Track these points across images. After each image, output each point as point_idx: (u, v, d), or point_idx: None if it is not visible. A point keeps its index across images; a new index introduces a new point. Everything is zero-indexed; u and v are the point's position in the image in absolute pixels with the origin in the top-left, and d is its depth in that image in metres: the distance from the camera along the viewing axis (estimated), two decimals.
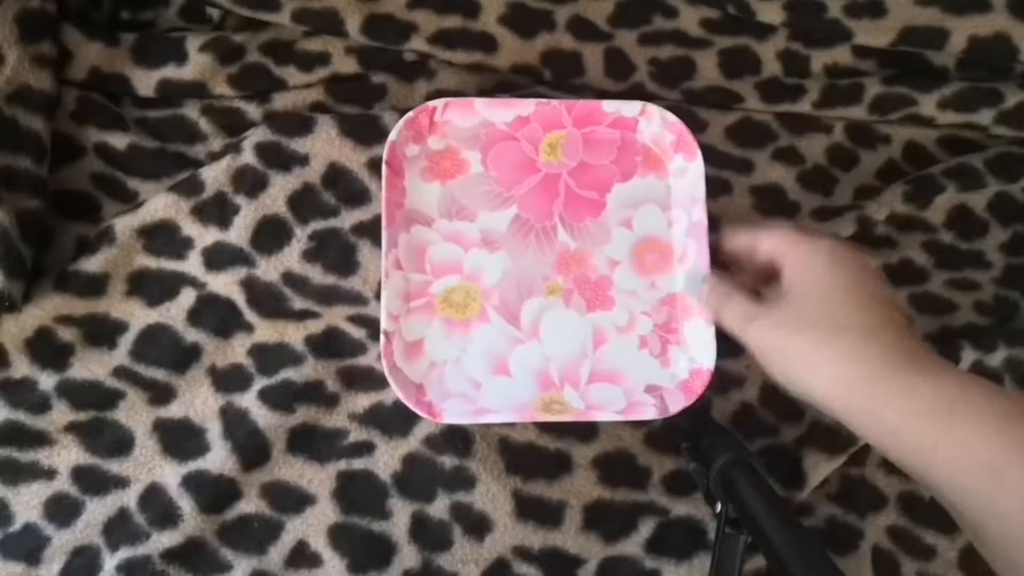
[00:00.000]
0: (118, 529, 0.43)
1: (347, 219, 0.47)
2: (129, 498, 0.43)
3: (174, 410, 0.45)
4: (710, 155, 0.48)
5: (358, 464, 0.45)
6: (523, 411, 0.44)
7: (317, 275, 0.46)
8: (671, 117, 0.47)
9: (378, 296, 0.45)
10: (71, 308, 0.45)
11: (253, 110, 0.48)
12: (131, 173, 0.47)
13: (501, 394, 0.45)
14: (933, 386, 0.33)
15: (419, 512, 0.44)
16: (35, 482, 0.43)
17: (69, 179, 0.47)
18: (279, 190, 0.46)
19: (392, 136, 0.45)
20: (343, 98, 0.49)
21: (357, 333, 0.46)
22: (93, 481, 0.43)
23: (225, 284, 0.46)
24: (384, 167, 0.45)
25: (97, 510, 0.43)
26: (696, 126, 0.49)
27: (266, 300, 0.46)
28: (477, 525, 0.44)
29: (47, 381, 0.44)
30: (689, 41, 0.51)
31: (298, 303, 0.46)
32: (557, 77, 0.50)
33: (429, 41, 0.49)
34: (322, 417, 0.45)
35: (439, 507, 0.44)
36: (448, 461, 0.45)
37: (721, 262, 0.45)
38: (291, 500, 0.44)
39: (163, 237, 0.46)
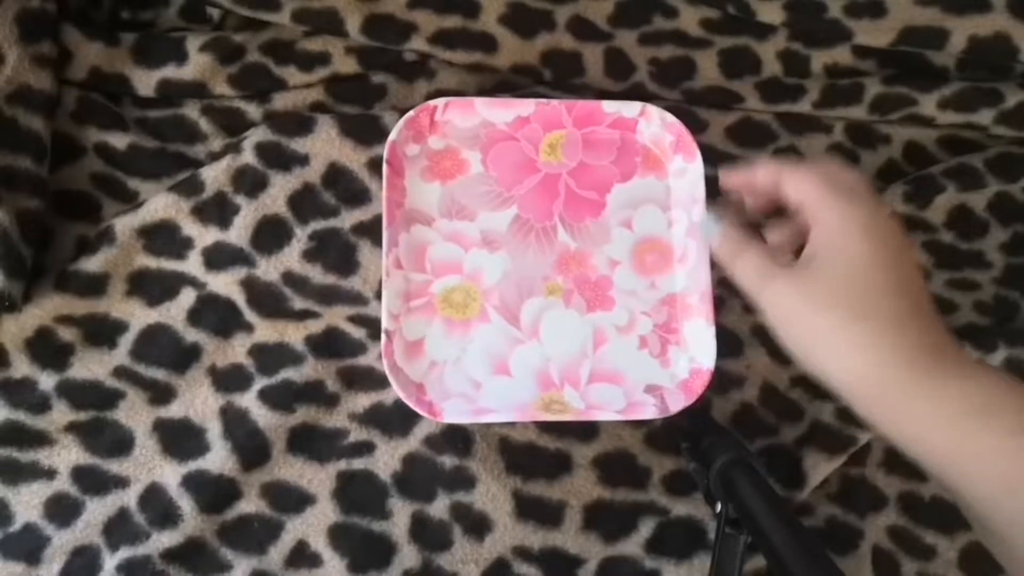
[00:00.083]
0: (118, 529, 0.43)
1: (347, 219, 0.47)
2: (129, 498, 0.43)
3: (174, 410, 0.45)
4: (710, 155, 0.48)
5: (358, 464, 0.45)
6: (523, 411, 0.44)
7: (317, 275, 0.46)
8: (670, 118, 0.47)
9: (378, 296, 0.45)
10: (71, 308, 0.45)
11: (253, 110, 0.48)
12: (131, 173, 0.47)
13: (501, 394, 0.45)
14: (959, 388, 0.31)
15: (419, 512, 0.44)
16: (35, 482, 0.43)
17: (69, 179, 0.47)
18: (279, 190, 0.46)
19: (392, 136, 0.45)
20: (343, 98, 0.49)
21: (357, 333, 0.46)
22: (93, 481, 0.43)
23: (225, 284, 0.46)
24: (384, 167, 0.45)
25: (97, 510, 0.43)
26: (696, 126, 0.49)
27: (266, 300, 0.46)
28: (477, 525, 0.44)
29: (47, 381, 0.44)
30: (689, 41, 0.51)
31: (298, 303, 0.46)
32: (557, 77, 0.50)
33: (429, 41, 0.49)
34: (322, 417, 0.45)
35: (439, 507, 0.44)
36: (448, 461, 0.45)
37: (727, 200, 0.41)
38: (291, 500, 0.44)
39: (163, 237, 0.46)
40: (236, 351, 0.45)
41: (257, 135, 0.47)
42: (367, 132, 0.47)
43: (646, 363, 0.46)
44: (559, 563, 0.45)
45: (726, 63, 0.51)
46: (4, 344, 0.44)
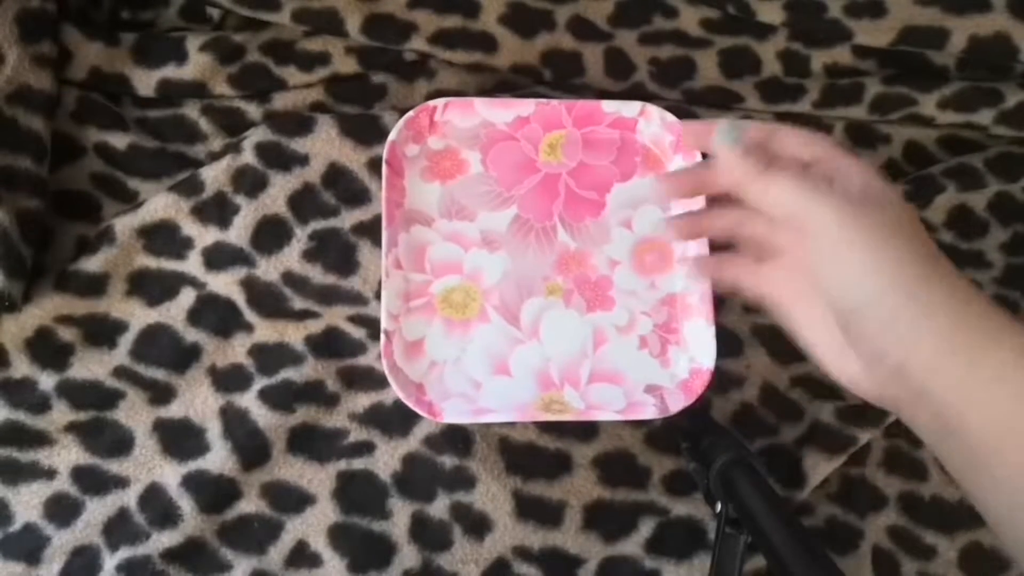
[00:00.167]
0: (118, 529, 0.43)
1: (347, 219, 0.47)
2: (129, 498, 0.43)
3: (174, 410, 0.45)
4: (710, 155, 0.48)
5: (358, 464, 0.45)
6: (523, 411, 0.44)
7: (317, 275, 0.46)
8: (670, 118, 0.47)
9: (378, 296, 0.45)
10: (71, 308, 0.45)
11: (253, 110, 0.48)
12: (131, 173, 0.47)
13: (501, 394, 0.45)
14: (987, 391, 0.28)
15: (419, 512, 0.44)
16: (35, 482, 0.43)
17: (69, 179, 0.47)
18: (279, 190, 0.46)
19: (392, 136, 0.45)
20: (343, 98, 0.49)
21: (357, 333, 0.46)
22: (93, 481, 0.43)
23: (225, 284, 0.46)
24: (384, 167, 0.45)
25: (97, 510, 0.43)
26: None
27: (266, 300, 0.46)
28: (477, 525, 0.44)
29: (47, 381, 0.44)
30: (689, 41, 0.51)
31: (298, 303, 0.46)
32: (557, 77, 0.50)
33: (429, 41, 0.49)
34: (322, 417, 0.45)
35: (439, 507, 0.44)
36: (448, 461, 0.45)
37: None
38: (291, 500, 0.44)
39: (163, 237, 0.46)
40: (236, 351, 0.45)
41: (257, 135, 0.47)
42: (367, 132, 0.47)
43: (646, 363, 0.46)
44: (559, 563, 0.44)
45: (726, 63, 0.51)
46: (4, 344, 0.44)
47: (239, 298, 0.46)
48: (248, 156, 0.46)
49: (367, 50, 0.49)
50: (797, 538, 0.34)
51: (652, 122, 0.48)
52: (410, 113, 0.46)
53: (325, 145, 0.47)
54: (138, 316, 0.45)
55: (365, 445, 0.45)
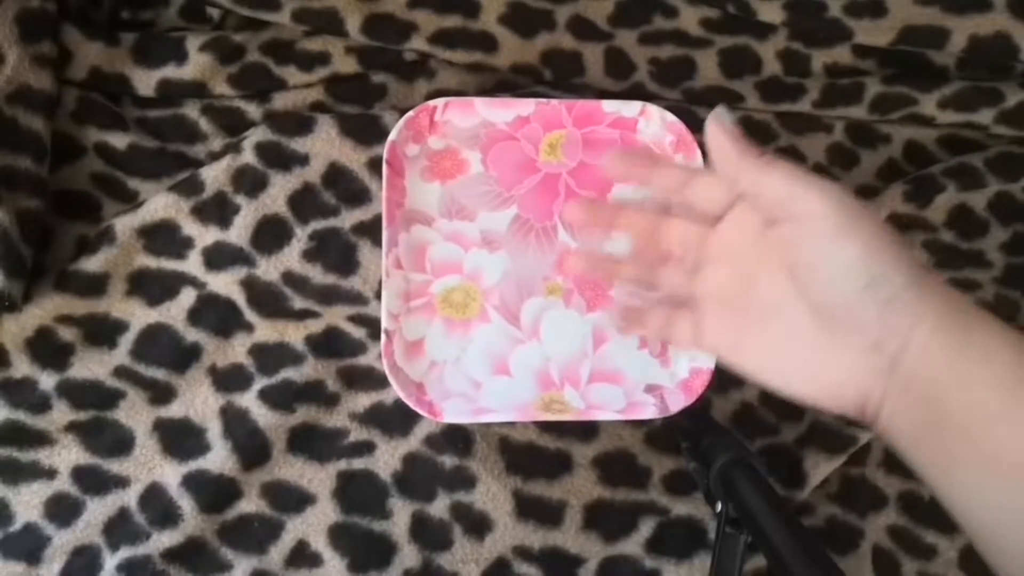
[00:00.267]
0: (118, 529, 0.43)
1: (347, 219, 0.47)
2: (129, 498, 0.43)
3: (174, 410, 0.45)
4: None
5: (358, 464, 0.45)
6: (523, 411, 0.44)
7: (317, 275, 0.46)
8: (671, 117, 0.47)
9: (378, 296, 0.45)
10: (71, 308, 0.45)
11: (253, 110, 0.48)
12: (131, 173, 0.47)
13: (501, 394, 0.45)
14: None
15: (419, 512, 0.44)
16: (35, 482, 0.43)
17: (69, 179, 0.47)
18: (279, 190, 0.46)
19: (392, 136, 0.45)
20: (343, 98, 0.49)
21: (357, 333, 0.46)
22: (93, 481, 0.43)
23: (225, 284, 0.46)
24: (384, 166, 0.45)
25: (97, 510, 0.43)
26: (696, 126, 0.49)
27: (266, 300, 0.46)
28: (477, 525, 0.44)
29: (47, 381, 0.44)
30: (689, 41, 0.51)
31: (298, 303, 0.46)
32: (557, 77, 0.50)
33: (429, 41, 0.49)
34: (322, 417, 0.45)
35: (439, 507, 0.44)
36: (448, 461, 0.45)
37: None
38: (291, 500, 0.44)
39: (163, 237, 0.46)
40: (236, 351, 0.45)
41: (257, 135, 0.47)
42: (367, 132, 0.47)
43: (646, 363, 0.46)
44: (559, 563, 0.45)
45: (726, 63, 0.51)
46: (4, 344, 0.44)
47: (239, 298, 0.46)
48: (248, 156, 0.46)
49: (367, 50, 0.49)
50: (797, 538, 0.34)
51: (652, 122, 0.48)
52: (410, 113, 0.46)
53: (325, 145, 0.47)
54: (138, 316, 0.45)
55: (365, 445, 0.45)
